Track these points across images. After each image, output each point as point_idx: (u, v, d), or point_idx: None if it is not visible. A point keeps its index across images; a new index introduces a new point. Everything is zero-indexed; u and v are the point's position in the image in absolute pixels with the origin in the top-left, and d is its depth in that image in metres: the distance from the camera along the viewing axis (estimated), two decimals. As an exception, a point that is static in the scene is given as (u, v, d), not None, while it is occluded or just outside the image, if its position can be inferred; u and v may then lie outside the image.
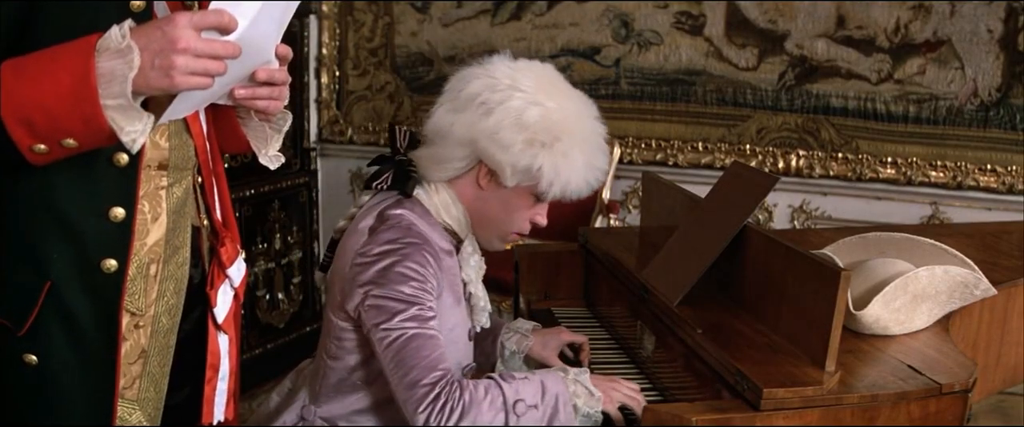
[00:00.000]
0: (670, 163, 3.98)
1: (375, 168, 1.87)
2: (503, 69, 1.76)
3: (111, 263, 1.34)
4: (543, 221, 1.86)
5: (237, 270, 1.60)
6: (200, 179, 1.52)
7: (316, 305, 4.22)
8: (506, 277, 2.84)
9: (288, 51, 1.40)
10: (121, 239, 1.35)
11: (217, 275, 1.55)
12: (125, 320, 1.39)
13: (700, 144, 3.97)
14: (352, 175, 4.53)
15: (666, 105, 3.99)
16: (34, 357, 1.33)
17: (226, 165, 1.65)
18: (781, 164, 3.84)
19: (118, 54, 1.18)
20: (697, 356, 1.81)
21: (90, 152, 1.26)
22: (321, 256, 4.17)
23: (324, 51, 4.40)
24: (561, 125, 1.73)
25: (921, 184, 3.68)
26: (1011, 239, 2.69)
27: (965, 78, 3.56)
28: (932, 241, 2.06)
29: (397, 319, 1.67)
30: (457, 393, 1.64)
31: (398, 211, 1.77)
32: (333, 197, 4.45)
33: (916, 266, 1.96)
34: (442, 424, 1.61)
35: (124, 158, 1.33)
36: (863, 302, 1.88)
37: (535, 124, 1.71)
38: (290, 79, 1.43)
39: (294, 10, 1.37)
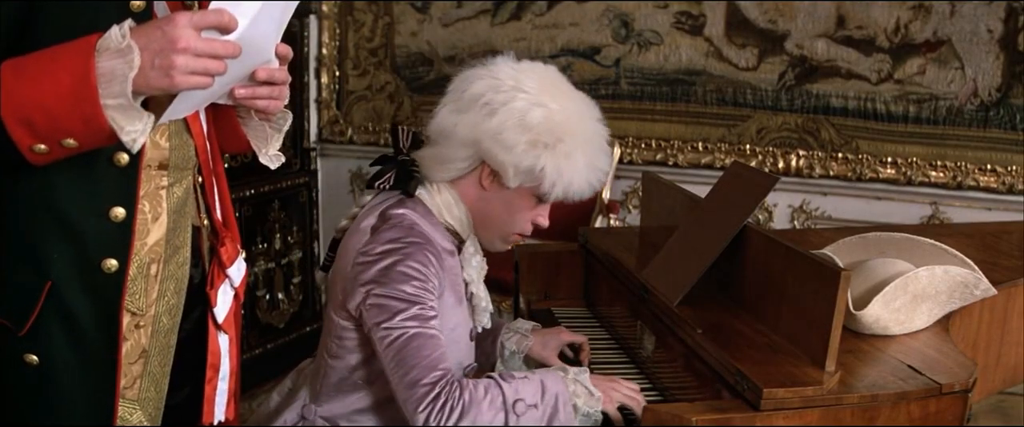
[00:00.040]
0: (670, 163, 3.98)
1: (377, 168, 1.87)
2: (507, 70, 1.77)
3: (112, 263, 1.34)
4: (545, 222, 1.86)
5: (237, 270, 1.61)
6: (200, 179, 1.52)
7: (316, 305, 4.22)
8: (506, 277, 2.84)
9: (288, 50, 1.40)
10: (121, 239, 1.35)
11: (217, 275, 1.55)
12: (126, 320, 1.39)
13: (700, 144, 3.97)
14: (352, 175, 4.53)
15: (666, 105, 3.99)
16: (35, 357, 1.33)
17: (226, 165, 1.65)
18: (781, 164, 3.84)
19: (118, 54, 1.18)
20: (697, 356, 1.81)
21: (90, 152, 1.26)
22: (321, 256, 4.18)
23: (324, 51, 4.40)
24: (564, 126, 1.73)
25: (921, 184, 3.68)
26: (1011, 239, 2.69)
27: (965, 78, 3.56)
28: (932, 241, 2.06)
29: (398, 318, 1.67)
30: (457, 393, 1.64)
31: (400, 210, 1.77)
32: (333, 197, 4.45)
33: (916, 266, 1.96)
34: (442, 424, 1.61)
35: (124, 158, 1.33)
36: (863, 302, 1.88)
37: (538, 125, 1.72)
38: (290, 78, 1.43)
39: (294, 10, 1.37)
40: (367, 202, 1.88)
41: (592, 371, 1.86)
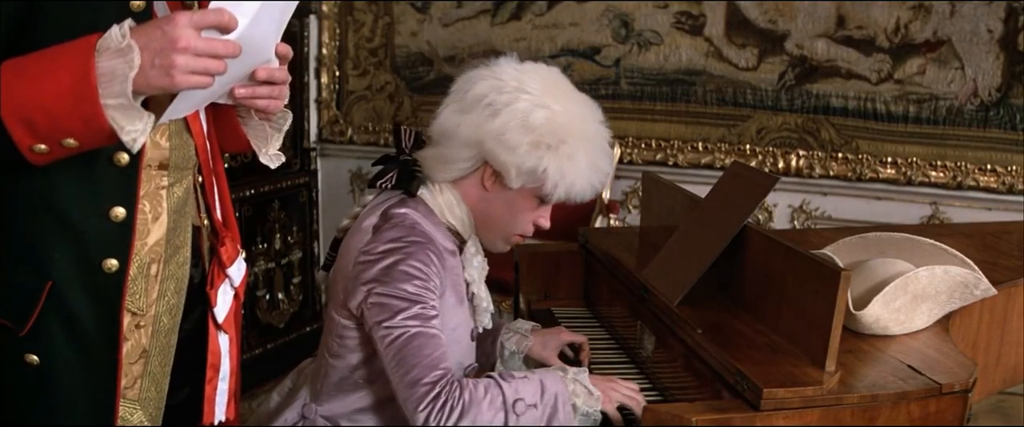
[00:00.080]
0: (670, 163, 3.99)
1: (379, 168, 1.88)
2: (510, 71, 1.77)
3: (112, 263, 1.34)
4: (546, 224, 1.87)
5: (237, 270, 1.61)
6: (200, 178, 1.52)
7: (316, 305, 4.22)
8: (506, 277, 2.84)
9: (288, 50, 1.40)
10: (122, 239, 1.35)
11: (217, 275, 1.55)
12: (126, 320, 1.39)
13: (700, 144, 3.97)
14: (352, 175, 4.53)
15: (666, 105, 4.00)
16: (35, 357, 1.33)
17: (226, 165, 1.65)
18: (781, 164, 3.84)
19: (118, 53, 1.18)
20: (697, 356, 1.81)
21: (90, 152, 1.26)
22: (321, 256, 4.18)
23: (324, 51, 4.40)
24: (566, 128, 1.74)
25: (921, 184, 3.68)
26: (1011, 239, 2.69)
27: (965, 78, 3.56)
28: (932, 241, 2.06)
29: (399, 317, 1.67)
30: (457, 392, 1.64)
31: (402, 210, 1.78)
32: (333, 197, 4.45)
33: (916, 266, 1.96)
34: (442, 423, 1.61)
35: (125, 158, 1.33)
36: (863, 302, 1.88)
37: (541, 126, 1.72)
38: (290, 78, 1.43)
39: (293, 9, 1.37)
40: (369, 201, 1.88)
41: (592, 371, 1.86)
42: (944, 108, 3.60)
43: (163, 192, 1.44)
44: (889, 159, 3.71)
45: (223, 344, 1.57)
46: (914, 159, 3.68)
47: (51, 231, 1.32)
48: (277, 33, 1.36)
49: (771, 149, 3.86)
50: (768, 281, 1.85)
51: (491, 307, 1.96)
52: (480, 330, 1.96)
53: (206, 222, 1.56)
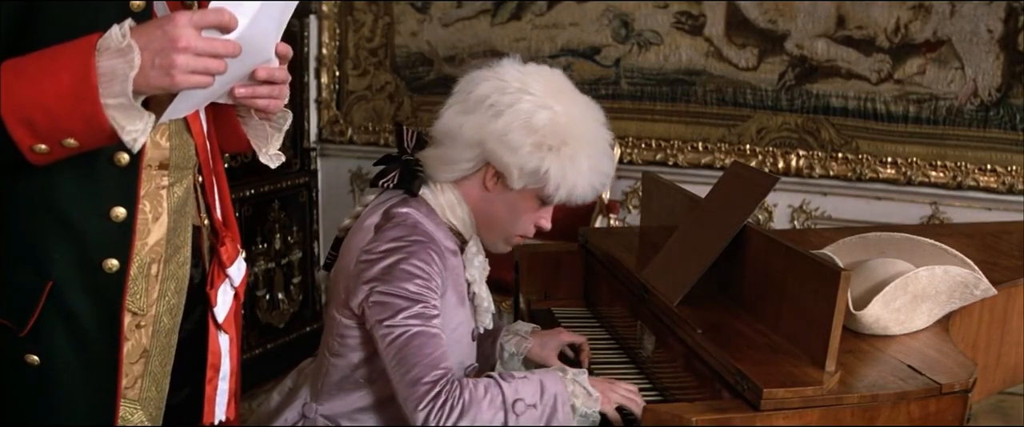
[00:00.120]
0: (670, 163, 3.99)
1: (382, 167, 1.88)
2: (513, 72, 1.78)
3: (113, 263, 1.34)
4: (547, 225, 1.87)
5: (237, 270, 1.60)
6: (200, 178, 1.52)
7: (316, 305, 4.22)
8: (506, 277, 2.84)
9: (288, 50, 1.40)
10: (122, 239, 1.35)
11: (217, 274, 1.55)
12: (127, 320, 1.39)
13: (700, 144, 3.97)
14: (352, 175, 4.53)
15: (666, 105, 4.00)
16: (36, 357, 1.33)
17: (226, 165, 1.65)
18: (781, 164, 3.84)
19: (119, 53, 1.18)
20: (697, 356, 1.81)
21: (91, 152, 1.26)
22: (321, 256, 4.18)
23: (324, 51, 4.40)
24: (569, 129, 1.74)
25: (921, 184, 3.68)
26: (1011, 239, 2.69)
27: (965, 78, 3.56)
28: (932, 241, 2.06)
29: (401, 316, 1.67)
30: (457, 391, 1.64)
31: (404, 209, 1.78)
32: (333, 197, 4.45)
33: (916, 266, 1.96)
34: (442, 422, 1.62)
35: (125, 158, 1.33)
36: (863, 302, 1.88)
37: (544, 127, 1.72)
38: (290, 78, 1.43)
39: (293, 9, 1.37)
40: (370, 201, 1.88)
41: (592, 372, 1.87)
42: (944, 108, 3.60)
43: (163, 192, 1.44)
44: (889, 159, 3.71)
45: (223, 344, 1.57)
46: (914, 159, 3.68)
47: (51, 231, 1.32)
48: (277, 33, 1.36)
49: (771, 149, 3.86)
50: (768, 281, 1.85)
51: (492, 307, 1.96)
52: (481, 330, 1.96)
53: (206, 222, 1.56)
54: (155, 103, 1.27)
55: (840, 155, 3.78)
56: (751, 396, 1.60)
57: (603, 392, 1.77)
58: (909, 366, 1.74)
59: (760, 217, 3.88)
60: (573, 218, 3.35)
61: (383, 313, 1.68)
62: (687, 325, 1.85)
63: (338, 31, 4.41)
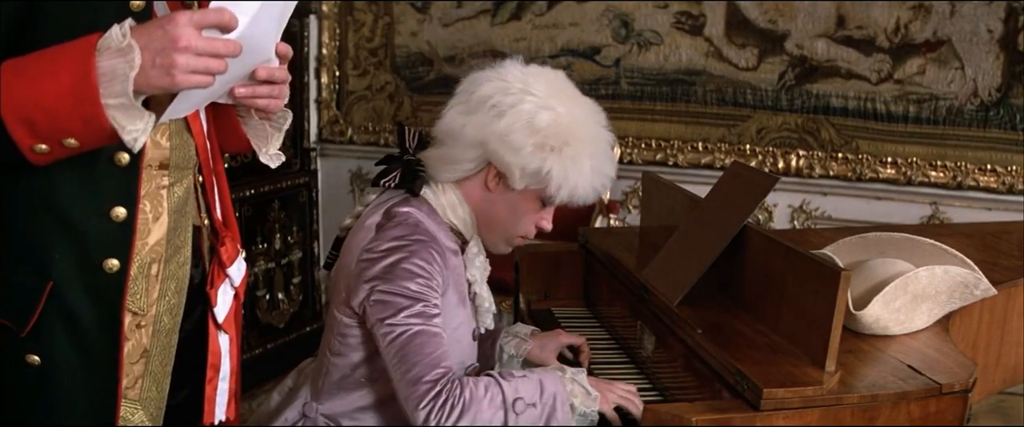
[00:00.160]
0: (670, 163, 3.99)
1: (383, 167, 1.88)
2: (515, 73, 1.79)
3: (113, 263, 1.34)
4: (548, 226, 1.87)
5: (237, 269, 1.60)
6: (201, 178, 1.52)
7: (316, 305, 4.22)
8: (506, 277, 2.84)
9: (288, 49, 1.40)
10: (123, 239, 1.35)
11: (217, 274, 1.55)
12: (127, 320, 1.39)
13: (700, 144, 3.97)
14: (352, 175, 4.53)
15: (666, 105, 4.00)
16: (37, 357, 1.33)
17: (226, 165, 1.65)
18: (781, 164, 3.84)
19: (119, 53, 1.18)
20: (697, 356, 1.81)
21: (91, 152, 1.26)
22: (321, 256, 4.18)
23: (324, 51, 4.40)
24: (571, 130, 1.75)
25: (921, 184, 3.68)
26: (1011, 239, 2.69)
27: (965, 78, 3.56)
28: (932, 241, 2.06)
29: (402, 315, 1.67)
30: (458, 391, 1.64)
31: (405, 209, 1.78)
32: (333, 197, 4.45)
33: (916, 266, 1.96)
34: (442, 421, 1.62)
35: (125, 157, 1.33)
36: (863, 302, 1.89)
37: (546, 128, 1.73)
38: (290, 77, 1.43)
39: (293, 9, 1.37)
40: (372, 200, 1.88)
41: (592, 372, 1.87)
42: (944, 108, 3.60)
43: (164, 192, 1.44)
44: (889, 159, 3.71)
45: (223, 344, 1.57)
46: (914, 159, 3.68)
47: (52, 231, 1.32)
48: (277, 32, 1.36)
49: (771, 149, 3.86)
50: (768, 281, 1.85)
51: (493, 307, 1.96)
52: (482, 330, 1.96)
53: (206, 222, 1.56)
54: (155, 103, 1.27)
55: (840, 155, 3.78)
56: (751, 396, 1.60)
57: (602, 392, 1.77)
58: (909, 366, 1.74)
59: (760, 217, 3.88)
60: (573, 218, 3.35)
61: (384, 312, 1.68)
62: (687, 325, 1.85)
63: (338, 31, 4.41)
